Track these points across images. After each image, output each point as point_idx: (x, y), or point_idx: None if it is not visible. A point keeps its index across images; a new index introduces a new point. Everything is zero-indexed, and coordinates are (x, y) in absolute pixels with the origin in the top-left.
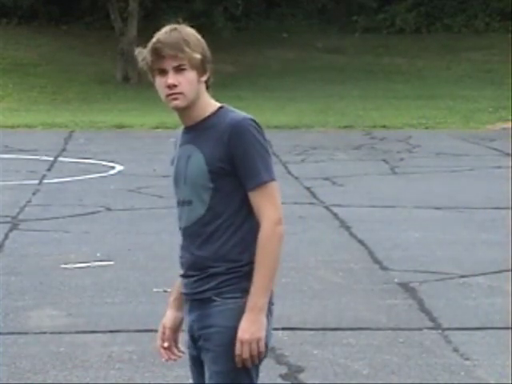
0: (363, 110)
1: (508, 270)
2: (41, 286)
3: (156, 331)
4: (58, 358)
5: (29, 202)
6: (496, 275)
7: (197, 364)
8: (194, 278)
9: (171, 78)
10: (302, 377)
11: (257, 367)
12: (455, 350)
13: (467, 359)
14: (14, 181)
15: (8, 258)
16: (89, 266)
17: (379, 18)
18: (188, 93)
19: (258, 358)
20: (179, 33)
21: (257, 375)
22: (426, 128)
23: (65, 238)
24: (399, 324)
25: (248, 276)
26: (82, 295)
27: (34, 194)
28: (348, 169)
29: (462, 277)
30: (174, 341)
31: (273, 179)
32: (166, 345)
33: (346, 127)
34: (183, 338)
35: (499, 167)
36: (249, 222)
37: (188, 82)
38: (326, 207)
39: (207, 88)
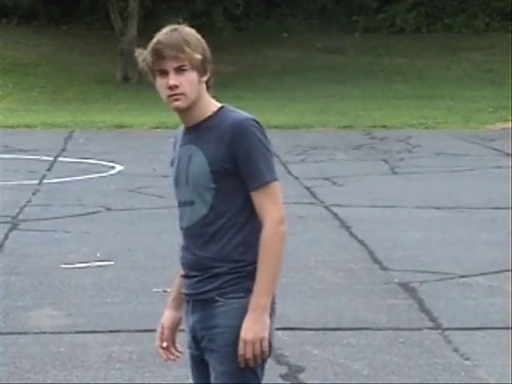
0: (363, 109)
1: (508, 270)
2: (41, 286)
3: (156, 331)
4: (58, 358)
5: (29, 202)
6: (496, 275)
7: (198, 364)
8: (197, 279)
9: (172, 79)
10: (301, 377)
11: (262, 366)
12: (455, 349)
13: (467, 359)
14: (14, 181)
15: (8, 257)
16: (89, 266)
17: (379, 17)
18: (189, 93)
19: (260, 358)
20: (179, 33)
21: (262, 374)
22: (426, 128)
23: (65, 238)
24: (399, 324)
25: (251, 276)
26: (82, 295)
27: (33, 194)
28: (348, 169)
29: (462, 277)
30: (172, 341)
31: (275, 179)
32: (164, 345)
33: (346, 127)
34: (182, 338)
35: (499, 167)
36: (251, 221)
37: (189, 82)
38: (326, 207)
39: (208, 88)
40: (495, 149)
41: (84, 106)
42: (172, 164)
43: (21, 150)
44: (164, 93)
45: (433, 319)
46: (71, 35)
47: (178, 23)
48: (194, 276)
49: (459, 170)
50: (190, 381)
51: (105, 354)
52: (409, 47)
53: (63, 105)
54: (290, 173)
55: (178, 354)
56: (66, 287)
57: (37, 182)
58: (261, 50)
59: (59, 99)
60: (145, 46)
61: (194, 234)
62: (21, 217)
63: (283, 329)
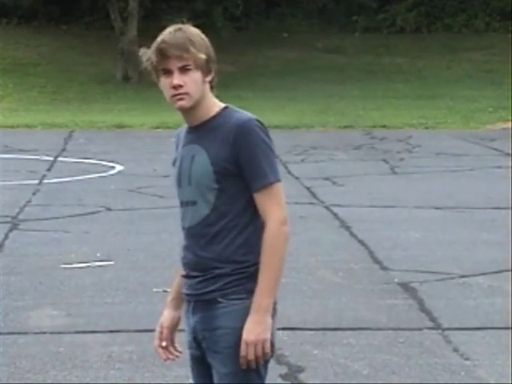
0: (363, 109)
1: (508, 270)
2: (41, 286)
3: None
4: (58, 358)
5: (29, 202)
6: (496, 275)
7: (198, 364)
8: (198, 279)
9: (176, 79)
10: (302, 377)
11: (265, 366)
12: (455, 349)
13: (467, 359)
14: (14, 181)
15: (8, 257)
16: (89, 266)
17: (379, 17)
18: (193, 93)
19: (262, 359)
20: (184, 33)
21: (265, 374)
22: (426, 128)
23: (65, 238)
24: (399, 324)
25: (253, 277)
26: (82, 295)
27: (33, 194)
28: (348, 169)
29: (462, 277)
30: (171, 340)
31: (278, 180)
32: (163, 344)
33: (346, 127)
34: (182, 338)
35: (499, 167)
36: (254, 222)
37: (193, 82)
38: (326, 207)
39: (211, 88)
40: (495, 149)
41: (84, 105)
42: (174, 163)
43: (21, 150)
44: (168, 92)
45: (433, 319)
46: (71, 35)
47: (183, 23)
48: (196, 276)
49: (459, 170)
50: (190, 381)
51: (105, 354)
52: (409, 47)
53: (63, 105)
54: (290, 173)
55: (177, 353)
56: (65, 287)
57: (37, 182)
58: (261, 50)
59: (59, 99)
60: (145, 46)
61: (196, 235)
62: (21, 217)
63: (283, 329)
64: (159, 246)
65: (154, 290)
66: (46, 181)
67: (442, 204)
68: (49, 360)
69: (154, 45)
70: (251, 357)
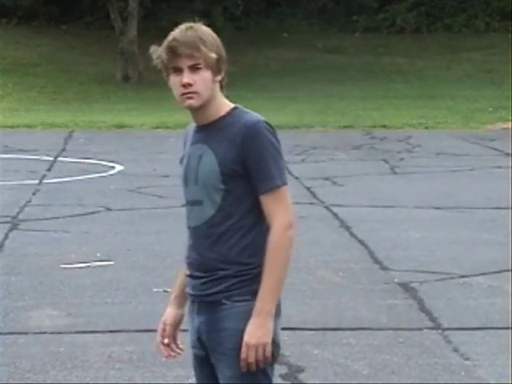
0: (363, 109)
1: (508, 270)
2: (41, 286)
3: (156, 331)
4: (58, 358)
5: (29, 201)
6: (496, 275)
7: (202, 364)
8: (203, 280)
9: (186, 77)
10: (302, 377)
11: (272, 366)
12: (455, 349)
13: (467, 359)
14: (14, 181)
15: (8, 257)
16: (89, 266)
17: (379, 17)
18: (203, 92)
19: (263, 363)
20: (195, 31)
21: (272, 373)
22: (426, 128)
23: (65, 238)
24: (399, 324)
25: (258, 279)
26: (82, 295)
27: (33, 193)
28: (348, 169)
29: (462, 277)
30: (174, 338)
31: (285, 183)
32: (166, 341)
33: (346, 127)
34: (185, 337)
35: (499, 167)
36: (259, 224)
37: (203, 81)
38: (326, 207)
39: (221, 88)
40: (495, 149)
41: (84, 105)
42: (181, 162)
43: (21, 150)
44: (177, 90)
45: (433, 319)
46: (71, 35)
47: (194, 21)
48: (200, 277)
49: (459, 170)
50: (190, 381)
51: (105, 354)
52: (409, 47)
53: (63, 105)
54: (290, 173)
55: (178, 351)
56: (65, 287)
57: (37, 181)
58: (261, 50)
59: (59, 99)
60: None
61: (202, 235)
62: (21, 217)
63: (283, 329)
64: (159, 246)
65: (154, 289)
66: (45, 181)
67: (442, 204)
68: (49, 360)
69: (165, 43)
70: (251, 360)
